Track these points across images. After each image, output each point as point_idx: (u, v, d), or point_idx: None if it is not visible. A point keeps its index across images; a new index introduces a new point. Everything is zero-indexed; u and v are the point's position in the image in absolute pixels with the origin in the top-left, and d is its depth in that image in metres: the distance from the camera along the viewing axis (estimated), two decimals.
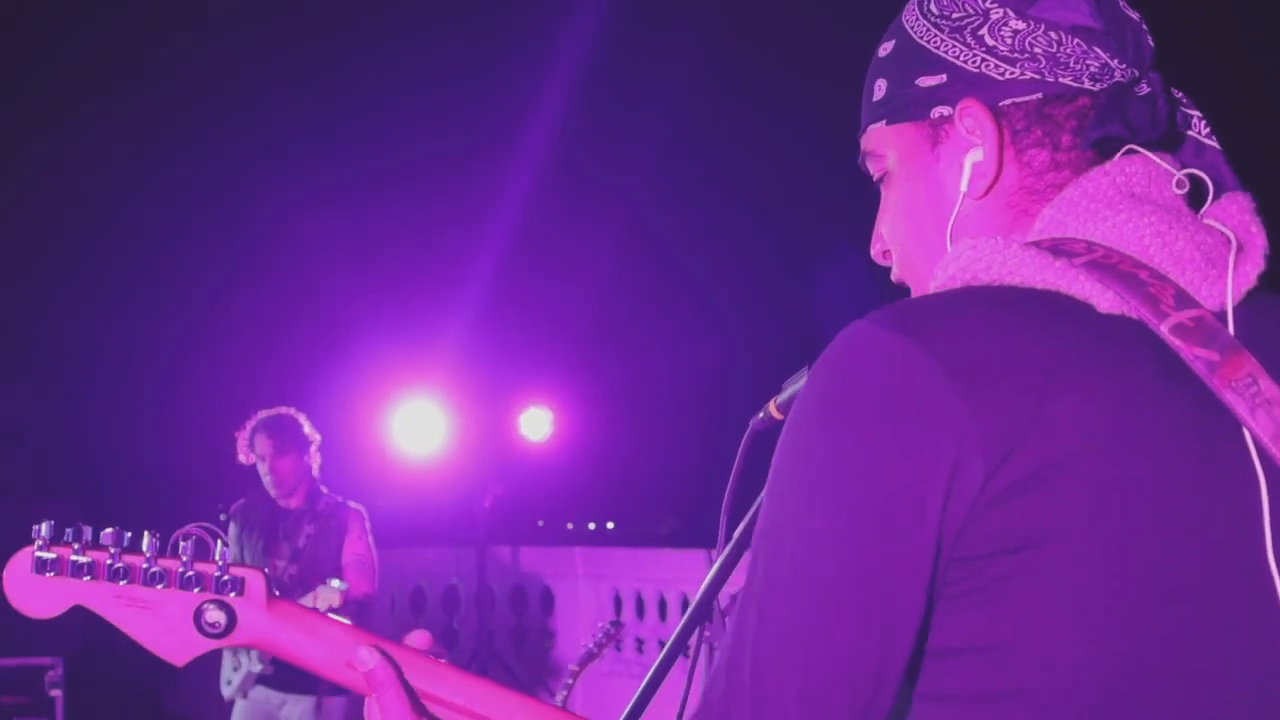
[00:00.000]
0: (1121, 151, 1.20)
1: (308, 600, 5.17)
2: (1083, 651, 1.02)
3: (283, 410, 5.79)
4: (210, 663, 5.65)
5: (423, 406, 9.18)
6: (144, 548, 1.22)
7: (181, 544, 1.23)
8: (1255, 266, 1.15)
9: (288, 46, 11.68)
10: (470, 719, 1.22)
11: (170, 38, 11.50)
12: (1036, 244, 1.14)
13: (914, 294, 1.28)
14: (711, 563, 1.66)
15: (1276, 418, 1.06)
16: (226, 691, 5.63)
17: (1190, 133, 1.28)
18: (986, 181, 1.21)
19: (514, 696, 1.23)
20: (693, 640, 1.72)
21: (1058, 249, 1.13)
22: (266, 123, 11.77)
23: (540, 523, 16.61)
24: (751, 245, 15.06)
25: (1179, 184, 1.19)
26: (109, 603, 1.22)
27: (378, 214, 13.29)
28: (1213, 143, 1.28)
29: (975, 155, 1.21)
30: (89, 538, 1.22)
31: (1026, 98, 1.20)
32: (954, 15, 1.23)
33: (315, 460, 5.75)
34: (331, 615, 1.26)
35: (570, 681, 4.83)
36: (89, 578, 1.21)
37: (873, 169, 1.30)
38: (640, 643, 8.52)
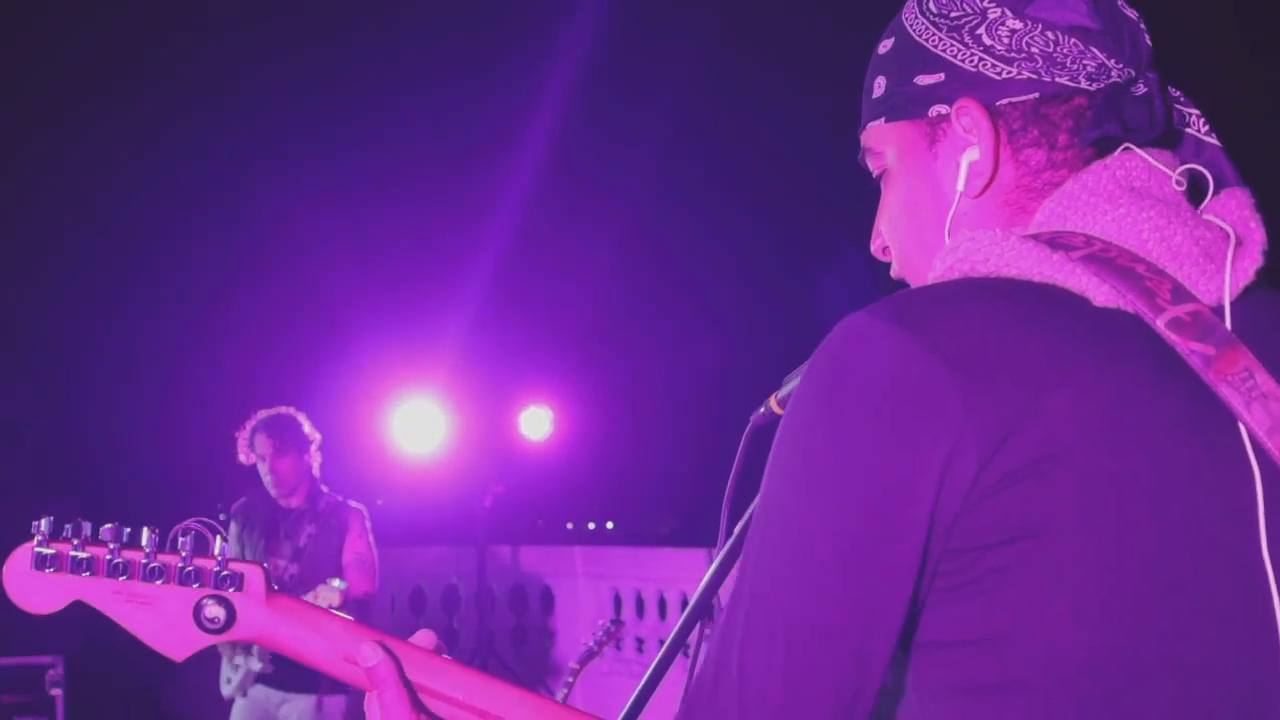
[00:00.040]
0: (1119, 149, 1.21)
1: (307, 598, 5.17)
2: (1079, 643, 1.03)
3: (282, 410, 5.79)
4: (210, 661, 5.66)
5: (423, 406, 9.18)
6: (143, 543, 1.22)
7: (180, 539, 1.23)
8: (1254, 262, 1.16)
9: (288, 46, 11.69)
10: (471, 713, 1.22)
11: (170, 38, 11.50)
12: (1035, 237, 1.14)
13: None
14: (711, 561, 1.66)
15: (1272, 412, 1.07)
16: (226, 690, 5.63)
17: (1189, 130, 1.28)
18: (983, 180, 1.22)
19: (514, 691, 1.23)
20: (692, 638, 1.72)
21: (1055, 242, 1.13)
22: (266, 123, 11.78)
23: (539, 522, 16.61)
24: (751, 245, 15.07)
25: (1178, 180, 1.20)
26: (108, 598, 1.22)
27: (378, 214, 13.30)
28: (1212, 140, 1.28)
29: (972, 154, 1.22)
30: (88, 533, 1.22)
31: (1023, 97, 1.21)
32: (952, 14, 1.23)
33: (315, 459, 5.75)
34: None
35: (570, 680, 4.83)
36: (88, 573, 1.21)
37: (872, 166, 1.31)
38: (640, 642, 8.53)
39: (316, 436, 5.76)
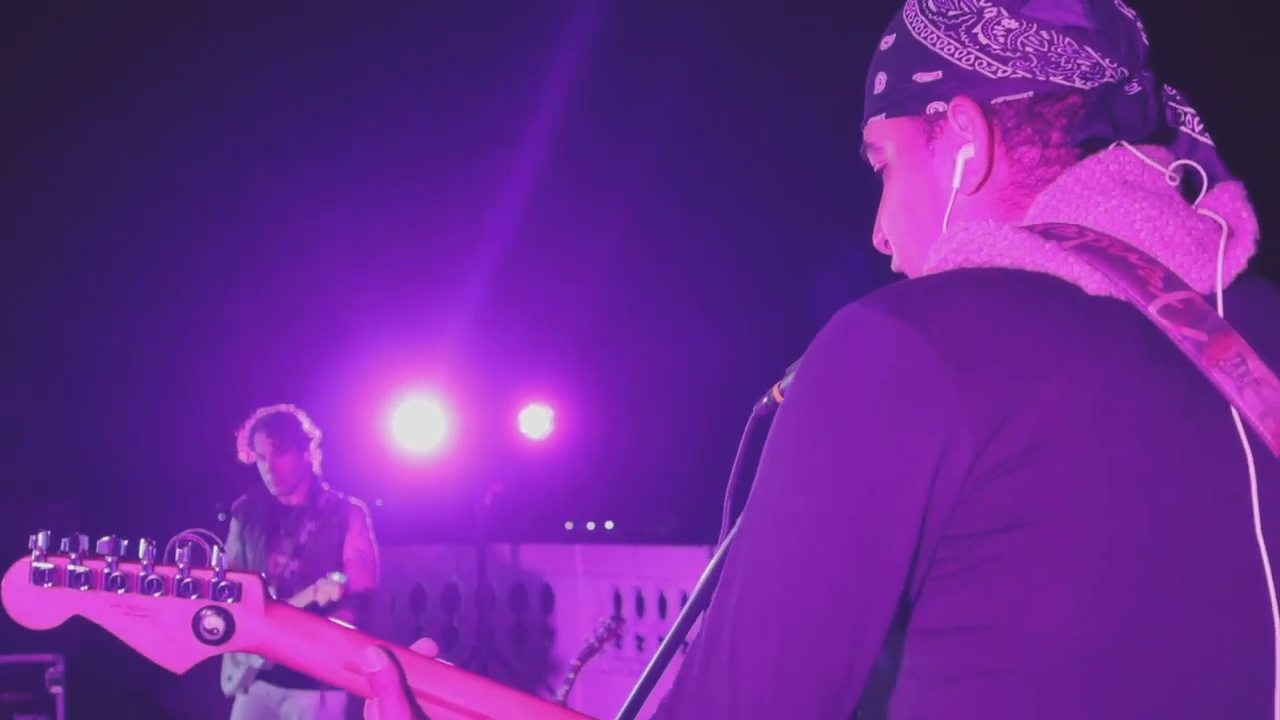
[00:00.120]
0: (1113, 145, 1.22)
1: (308, 592, 5.20)
2: (1072, 629, 1.04)
3: (282, 408, 5.80)
4: (211, 659, 5.65)
5: (423, 404, 9.19)
6: (141, 555, 1.22)
7: (178, 550, 1.22)
8: (1245, 250, 1.17)
9: (288, 46, 11.68)
10: (471, 719, 1.23)
11: (170, 38, 11.49)
12: (1029, 228, 1.16)
13: None
14: (711, 558, 1.67)
15: (1264, 397, 1.08)
16: (227, 687, 5.64)
17: (1183, 129, 1.30)
18: (978, 177, 1.24)
19: (514, 695, 1.24)
20: (691, 633, 1.73)
21: (1049, 232, 1.15)
22: (266, 123, 11.77)
23: (539, 521, 16.59)
24: (751, 245, 15.05)
25: (1171, 175, 1.21)
26: (107, 612, 1.21)
27: (378, 214, 13.29)
28: (1206, 139, 1.30)
29: (967, 152, 1.24)
30: (86, 547, 1.22)
31: (1017, 96, 1.22)
32: (950, 13, 1.25)
33: (316, 457, 5.77)
34: (331, 616, 1.26)
35: (571, 677, 4.84)
36: (87, 587, 1.21)
37: (873, 160, 1.33)
38: (640, 640, 8.53)
39: (316, 434, 5.78)
